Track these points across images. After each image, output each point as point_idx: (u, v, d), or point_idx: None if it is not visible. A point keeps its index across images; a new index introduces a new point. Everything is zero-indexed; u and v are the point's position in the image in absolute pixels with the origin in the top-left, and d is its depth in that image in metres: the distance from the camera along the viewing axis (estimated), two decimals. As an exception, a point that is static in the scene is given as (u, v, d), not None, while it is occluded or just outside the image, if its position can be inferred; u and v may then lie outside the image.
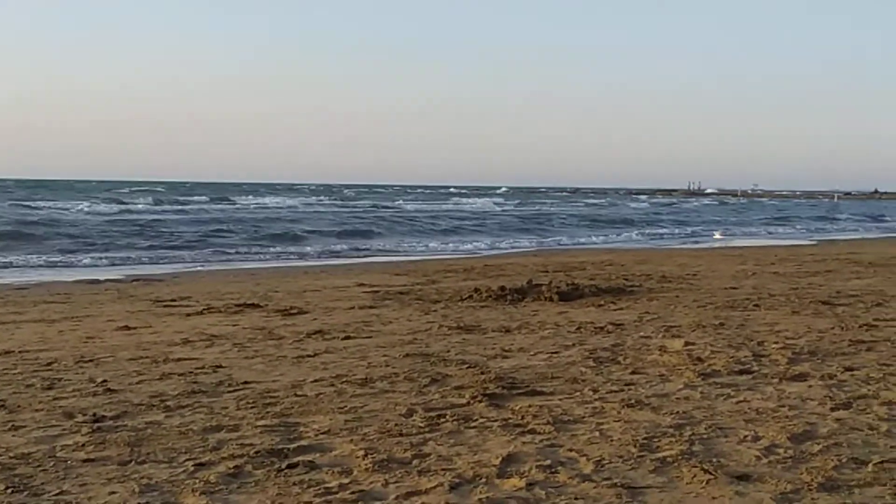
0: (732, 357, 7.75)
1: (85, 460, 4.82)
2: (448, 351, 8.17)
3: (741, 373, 7.14)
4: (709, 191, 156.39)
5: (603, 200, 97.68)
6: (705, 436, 5.31)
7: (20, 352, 8.19)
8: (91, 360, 7.73)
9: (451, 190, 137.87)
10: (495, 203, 76.68)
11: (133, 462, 4.78)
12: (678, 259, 21.32)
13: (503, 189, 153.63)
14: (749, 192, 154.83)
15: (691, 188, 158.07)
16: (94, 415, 5.76)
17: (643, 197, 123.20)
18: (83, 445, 5.09)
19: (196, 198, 68.81)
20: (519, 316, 10.61)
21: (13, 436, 5.29)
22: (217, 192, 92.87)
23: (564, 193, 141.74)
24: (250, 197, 76.91)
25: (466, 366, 7.39)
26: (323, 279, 16.33)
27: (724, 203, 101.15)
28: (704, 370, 7.20)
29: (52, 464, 4.76)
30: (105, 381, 6.82)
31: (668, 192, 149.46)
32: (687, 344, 8.41)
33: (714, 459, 4.84)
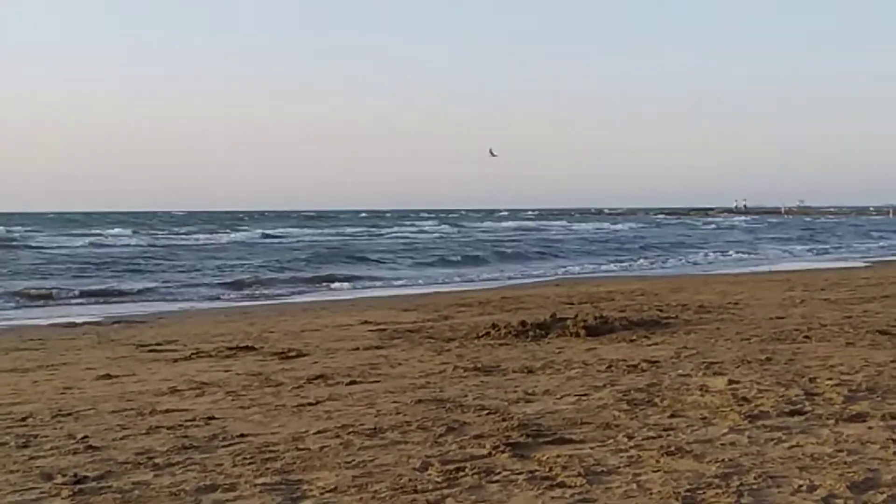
0: (782, 396, 7.72)
1: (66, 527, 4.83)
2: (465, 395, 8.17)
3: (792, 414, 7.11)
4: (733, 206, 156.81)
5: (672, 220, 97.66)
6: (755, 486, 5.29)
7: (-9, 406, 8.22)
8: (70, 414, 7.75)
9: (462, 212, 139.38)
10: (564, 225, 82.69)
11: (120, 528, 4.79)
12: (717, 286, 21.30)
13: (530, 211, 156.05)
14: (794, 208, 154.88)
15: (737, 207, 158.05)
16: (76, 475, 5.76)
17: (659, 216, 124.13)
18: (64, 510, 5.09)
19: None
20: (542, 354, 10.61)
21: (-14, 501, 5.31)
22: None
23: (590, 213, 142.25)
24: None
25: (486, 412, 7.38)
26: (323, 317, 16.36)
27: (757, 222, 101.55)
28: (751, 412, 7.17)
29: (30, 532, 4.77)
30: (86, 437, 6.83)
31: (706, 212, 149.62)
32: (731, 382, 8.39)
33: (766, 513, 4.82)
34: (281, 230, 70.40)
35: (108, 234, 61.85)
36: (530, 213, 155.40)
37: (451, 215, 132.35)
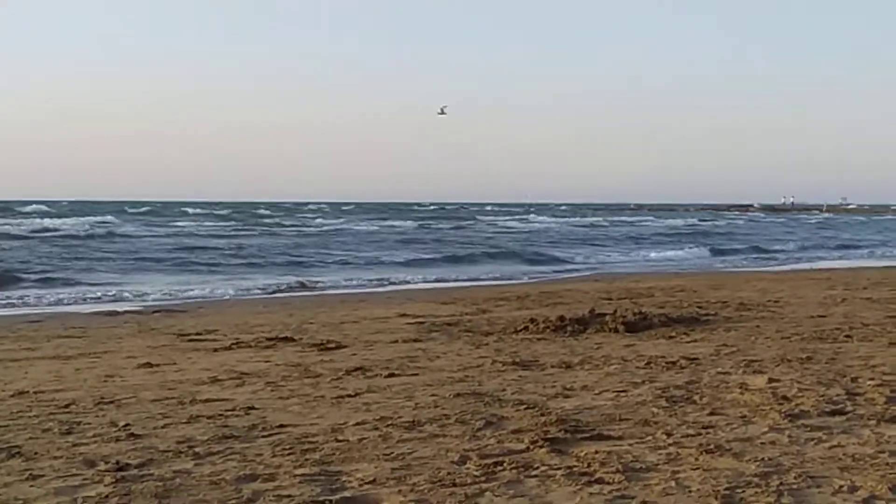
0: (823, 396, 7.67)
1: (109, 514, 4.90)
2: (503, 390, 8.18)
3: (833, 413, 7.07)
4: (781, 202, 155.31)
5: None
6: (795, 486, 5.27)
7: (35, 392, 8.33)
8: (112, 402, 7.85)
9: (488, 207, 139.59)
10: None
11: (161, 515, 4.85)
12: (757, 283, 21.15)
13: (563, 206, 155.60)
14: (837, 206, 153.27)
15: (786, 203, 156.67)
16: (118, 463, 5.83)
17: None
18: (106, 497, 5.16)
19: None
20: (581, 350, 10.60)
21: (31, 486, 5.39)
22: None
23: (630, 209, 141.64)
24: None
25: (524, 406, 7.39)
26: (361, 309, 16.41)
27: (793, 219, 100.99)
28: (791, 411, 7.13)
29: (73, 517, 4.84)
30: (128, 424, 6.91)
31: (745, 209, 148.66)
32: (771, 381, 8.34)
33: (806, 513, 4.80)
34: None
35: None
36: (564, 207, 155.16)
37: (485, 208, 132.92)
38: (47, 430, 6.81)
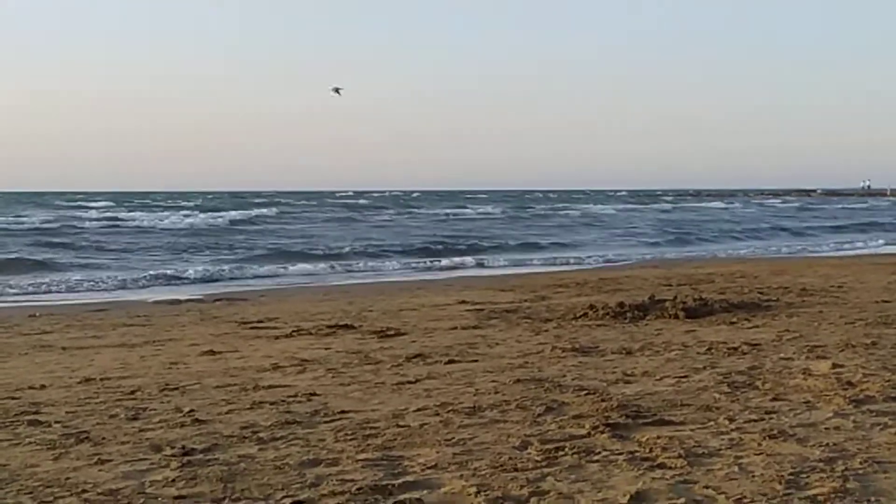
0: (888, 381, 7.56)
1: (176, 497, 4.98)
2: (563, 376, 8.18)
3: (899, 399, 6.98)
4: (860, 186, 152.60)
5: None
6: (861, 471, 5.21)
7: (101, 379, 8.48)
8: (176, 388, 7.96)
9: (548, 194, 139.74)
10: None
11: (227, 499, 4.92)
12: (820, 269, 20.89)
13: (623, 192, 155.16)
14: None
15: (864, 187, 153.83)
16: (183, 447, 5.93)
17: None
18: (173, 481, 5.25)
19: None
20: (641, 336, 10.55)
21: (100, 470, 5.49)
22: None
23: (689, 196, 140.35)
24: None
25: (585, 392, 7.38)
26: (420, 296, 16.47)
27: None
28: (856, 396, 7.05)
29: (141, 501, 4.93)
30: (192, 410, 7.02)
31: (807, 193, 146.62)
32: (835, 366, 8.25)
33: (872, 498, 4.75)
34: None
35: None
36: (623, 192, 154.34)
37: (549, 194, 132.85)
38: (114, 415, 6.93)
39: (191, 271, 24.13)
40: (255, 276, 24.12)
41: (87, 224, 47.41)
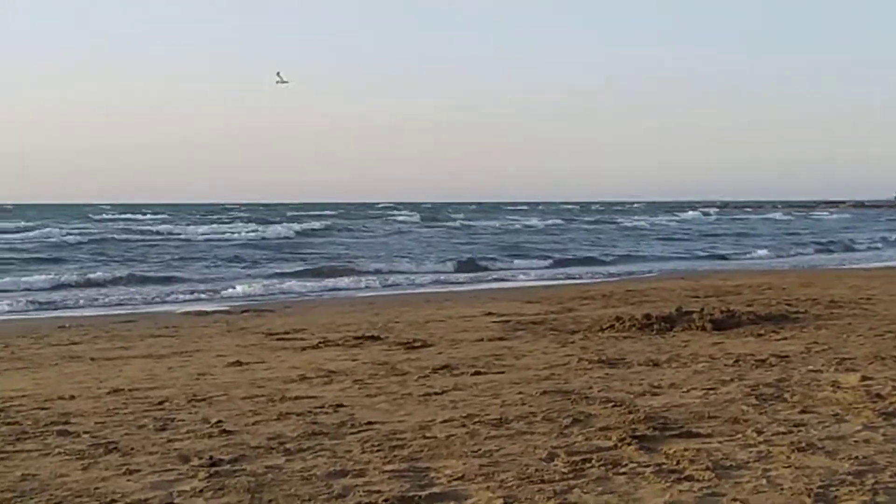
0: (918, 394, 7.51)
1: (204, 507, 5.00)
2: (590, 387, 8.16)
3: (929, 412, 6.92)
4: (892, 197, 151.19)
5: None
6: (891, 485, 5.17)
7: (130, 390, 8.53)
8: (203, 399, 8.00)
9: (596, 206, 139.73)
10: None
11: (254, 509, 4.93)
12: (849, 281, 20.76)
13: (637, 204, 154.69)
14: None
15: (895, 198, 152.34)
16: (211, 458, 5.95)
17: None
18: (201, 491, 5.28)
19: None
20: (668, 347, 10.52)
21: (128, 480, 5.53)
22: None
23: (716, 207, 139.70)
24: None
25: (611, 404, 7.36)
26: (447, 308, 16.48)
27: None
28: (886, 409, 7.00)
29: (169, 511, 4.95)
30: (220, 421, 7.05)
31: (834, 204, 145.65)
32: (864, 378, 8.20)
33: (902, 512, 4.71)
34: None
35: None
36: (636, 205, 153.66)
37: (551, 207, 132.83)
38: (142, 426, 6.97)
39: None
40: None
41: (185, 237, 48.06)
